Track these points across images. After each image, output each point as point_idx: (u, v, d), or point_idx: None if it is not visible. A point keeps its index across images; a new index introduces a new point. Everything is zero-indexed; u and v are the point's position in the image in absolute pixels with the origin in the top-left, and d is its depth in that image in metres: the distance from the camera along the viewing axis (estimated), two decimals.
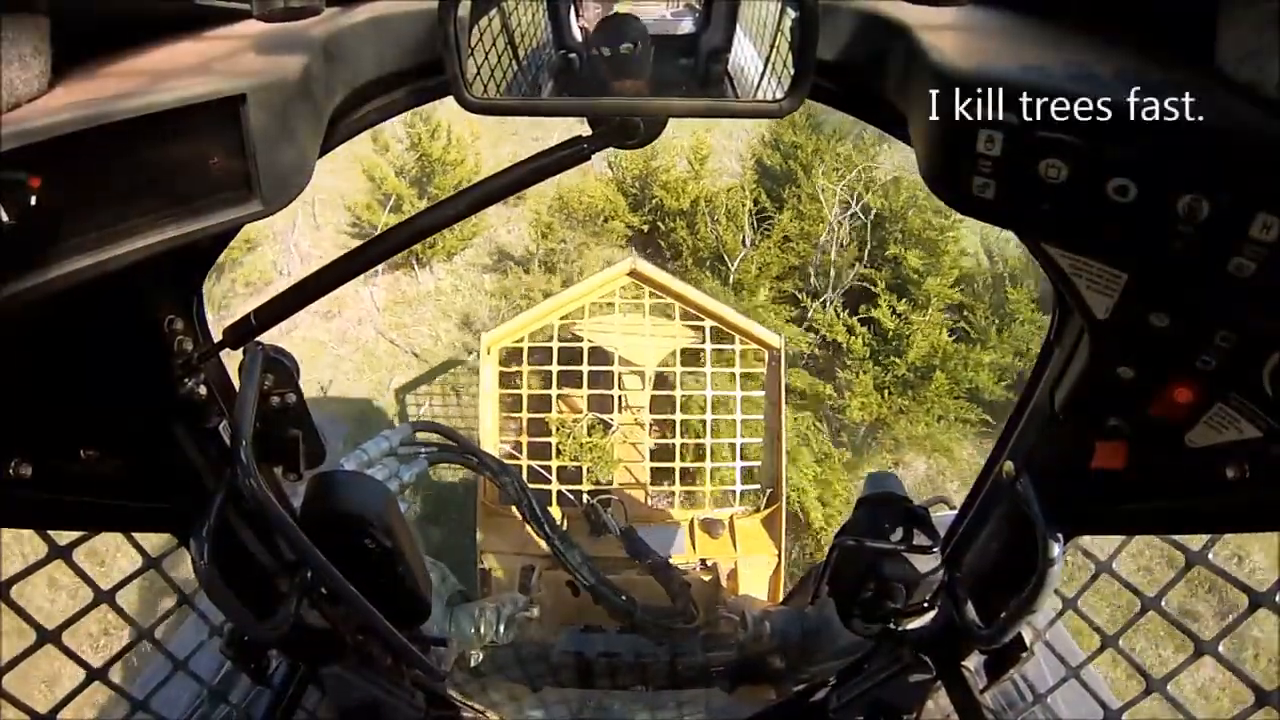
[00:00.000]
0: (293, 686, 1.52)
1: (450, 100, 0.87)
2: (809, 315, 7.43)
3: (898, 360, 6.87)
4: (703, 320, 4.56)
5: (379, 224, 8.04)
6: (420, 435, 2.98)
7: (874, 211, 7.53)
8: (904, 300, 7.11)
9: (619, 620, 2.81)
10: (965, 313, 7.17)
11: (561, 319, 4.54)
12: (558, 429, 5.05)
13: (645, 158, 8.04)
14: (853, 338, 7.07)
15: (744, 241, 7.66)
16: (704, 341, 4.63)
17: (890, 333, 7.02)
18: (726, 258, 7.61)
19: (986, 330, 6.92)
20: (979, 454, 6.97)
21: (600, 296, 4.57)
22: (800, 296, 7.61)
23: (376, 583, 1.37)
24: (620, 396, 4.81)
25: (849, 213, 7.47)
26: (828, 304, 7.41)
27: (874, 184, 7.61)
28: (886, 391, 6.90)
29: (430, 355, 7.92)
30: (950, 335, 6.91)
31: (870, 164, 7.68)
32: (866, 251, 7.47)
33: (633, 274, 4.48)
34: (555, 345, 4.57)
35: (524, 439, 4.30)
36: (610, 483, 5.29)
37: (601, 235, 8.18)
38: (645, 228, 8.29)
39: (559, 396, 4.71)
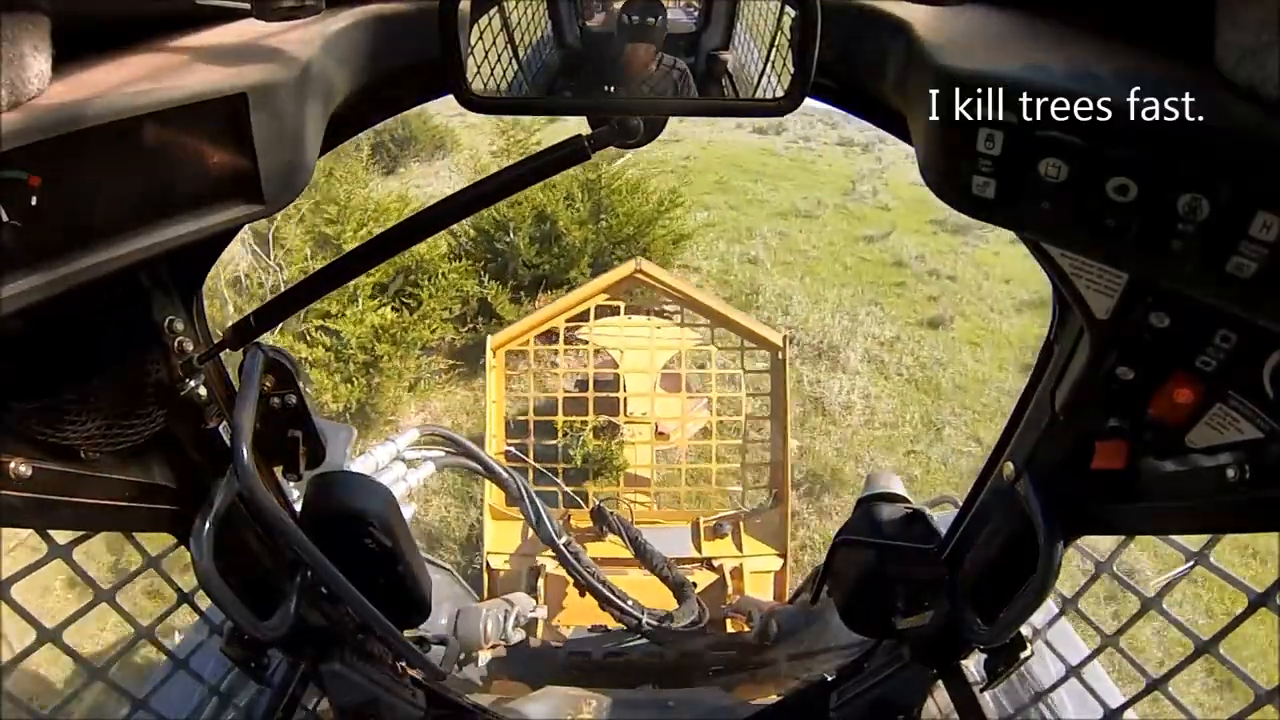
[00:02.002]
0: (293, 685, 1.53)
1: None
2: None
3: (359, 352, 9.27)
4: (706, 320, 4.55)
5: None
6: (426, 440, 3.00)
7: None
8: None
9: (624, 624, 2.82)
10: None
11: (567, 322, 4.53)
12: (563, 433, 5.04)
13: None
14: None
15: None
16: (708, 341, 4.63)
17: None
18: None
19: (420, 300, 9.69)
20: None
21: (606, 298, 4.56)
22: None
23: (376, 583, 1.38)
24: (625, 399, 4.80)
25: None
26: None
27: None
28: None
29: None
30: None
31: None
32: None
33: (638, 274, 4.48)
34: (561, 348, 4.57)
35: (530, 442, 4.29)
36: (616, 484, 5.29)
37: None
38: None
39: (565, 399, 4.71)
